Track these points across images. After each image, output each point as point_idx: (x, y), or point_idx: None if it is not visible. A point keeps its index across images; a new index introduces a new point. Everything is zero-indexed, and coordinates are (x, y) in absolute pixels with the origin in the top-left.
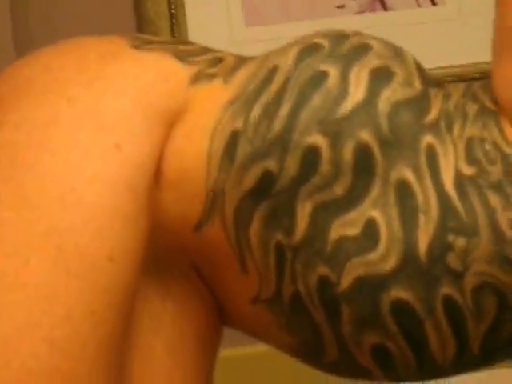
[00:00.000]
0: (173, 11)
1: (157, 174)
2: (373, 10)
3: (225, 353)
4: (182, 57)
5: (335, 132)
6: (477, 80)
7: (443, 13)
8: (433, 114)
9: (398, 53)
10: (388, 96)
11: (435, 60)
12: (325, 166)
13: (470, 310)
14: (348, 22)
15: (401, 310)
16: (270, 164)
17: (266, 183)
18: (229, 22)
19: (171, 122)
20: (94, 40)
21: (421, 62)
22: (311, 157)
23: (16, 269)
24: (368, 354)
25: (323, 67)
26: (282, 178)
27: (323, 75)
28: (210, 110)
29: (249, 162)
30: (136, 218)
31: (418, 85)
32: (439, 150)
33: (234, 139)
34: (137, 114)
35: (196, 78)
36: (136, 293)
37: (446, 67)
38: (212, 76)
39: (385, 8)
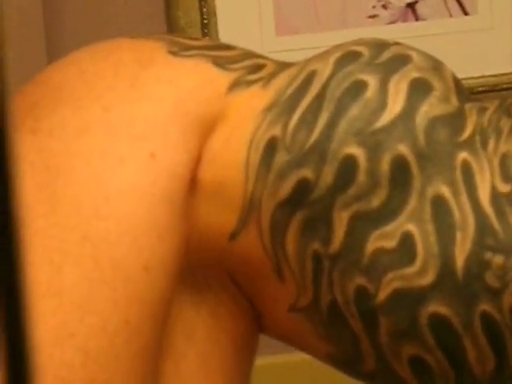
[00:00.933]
0: (205, 21)
1: (192, 183)
2: (405, 19)
3: (261, 361)
4: (220, 63)
5: (373, 143)
6: (509, 90)
7: (475, 22)
8: (468, 131)
9: (436, 66)
10: (426, 110)
11: (467, 70)
12: (362, 177)
13: (508, 327)
14: (380, 32)
15: (439, 324)
16: (307, 173)
17: (302, 192)
18: (260, 31)
19: (208, 129)
20: (130, 43)
21: (453, 72)
22: (348, 167)
23: (49, 277)
24: (406, 365)
25: (362, 76)
26: (318, 187)
27: (362, 85)
28: (247, 116)
29: (286, 170)
30: (172, 228)
31: (455, 101)
32: (475, 166)
33: (271, 147)
34: (173, 122)
35: (234, 85)
36: (171, 303)
37: (478, 77)
38: (251, 82)
39: (416, 18)
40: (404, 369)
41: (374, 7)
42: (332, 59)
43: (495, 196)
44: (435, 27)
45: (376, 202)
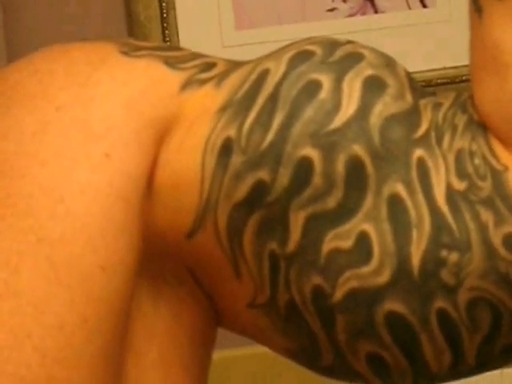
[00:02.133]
0: (164, 15)
1: (148, 184)
2: (364, 12)
3: (219, 354)
4: (171, 63)
5: (327, 145)
6: (469, 82)
7: (434, 15)
8: (423, 128)
9: (389, 63)
10: (380, 110)
11: (427, 62)
12: (317, 179)
13: (464, 324)
14: (339, 25)
15: (395, 322)
16: (263, 175)
17: (258, 193)
18: (219, 25)
19: (162, 130)
20: (82, 45)
21: (412, 64)
22: (304, 169)
23: (6, 278)
24: (363, 362)
25: (316, 76)
26: (274, 188)
27: (316, 85)
28: (201, 117)
29: (242, 172)
30: (129, 227)
31: (409, 98)
32: (430, 163)
33: (227, 148)
34: (127, 122)
35: (186, 84)
36: (130, 300)
37: (437, 69)
38: (203, 81)
39: (375, 10)
40: (361, 365)
41: (333, 1)
42: (284, 58)
43: (451, 193)
44: (394, 20)
45: (332, 202)
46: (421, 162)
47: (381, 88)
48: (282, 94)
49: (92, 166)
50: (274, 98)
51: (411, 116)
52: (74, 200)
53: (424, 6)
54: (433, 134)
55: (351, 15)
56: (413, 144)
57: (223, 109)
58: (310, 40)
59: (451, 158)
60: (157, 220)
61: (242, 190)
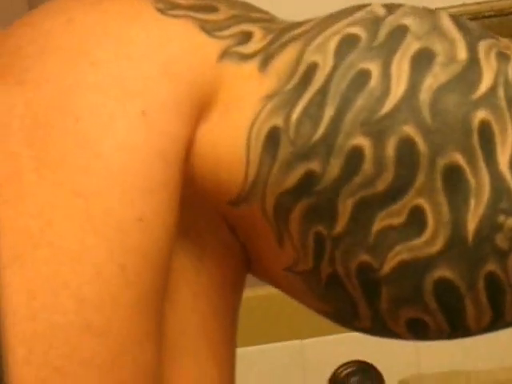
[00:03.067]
0: None
1: (187, 145)
2: None
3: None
4: (208, 30)
5: (378, 131)
6: (491, 18)
7: None
8: (486, 83)
9: (434, 23)
10: (430, 83)
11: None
12: (367, 165)
13: (510, 286)
14: None
15: (443, 288)
16: (314, 165)
17: (308, 182)
18: None
19: (200, 96)
20: None
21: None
22: (355, 157)
23: (41, 227)
24: (403, 326)
25: (364, 65)
26: (324, 178)
27: (365, 75)
28: (245, 99)
29: (292, 162)
30: (166, 183)
31: (462, 54)
32: (495, 127)
33: (274, 136)
34: (164, 83)
35: (224, 55)
36: (170, 252)
37: (459, 5)
38: (243, 57)
39: None
40: (401, 328)
41: None
42: (331, 49)
43: None
44: None
45: (381, 186)
46: (484, 126)
47: (429, 60)
48: (332, 88)
49: (129, 123)
50: (323, 92)
51: (468, 74)
52: (110, 155)
53: None
54: (501, 93)
55: None
56: (473, 106)
57: (269, 97)
58: (351, 18)
59: None
60: (196, 180)
61: (292, 178)
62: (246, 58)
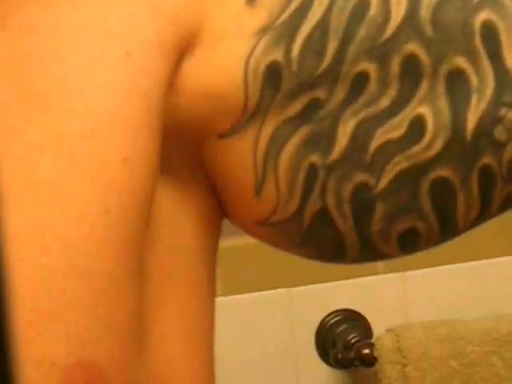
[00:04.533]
0: None
1: (173, 83)
2: None
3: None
4: None
5: (382, 54)
6: None
7: None
8: None
9: None
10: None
11: None
12: (373, 85)
13: (502, 177)
14: None
15: (439, 186)
16: (320, 93)
17: (312, 109)
18: None
19: (185, 32)
20: None
21: None
22: (360, 81)
23: (26, 169)
24: (394, 242)
25: None
26: (329, 103)
27: (364, 4)
28: (235, 35)
29: (296, 91)
30: (149, 122)
31: None
32: (500, 24)
33: (274, 71)
34: (147, 19)
35: None
36: (153, 191)
37: None
38: None
39: None
40: (391, 245)
41: None
42: None
43: None
44: None
45: (385, 102)
46: (486, 25)
47: None
48: (332, 22)
49: (112, 64)
50: (323, 26)
51: None
52: (94, 96)
53: None
54: None
55: None
56: (473, 10)
57: (263, 31)
58: None
59: None
60: (182, 118)
61: (296, 106)
62: None
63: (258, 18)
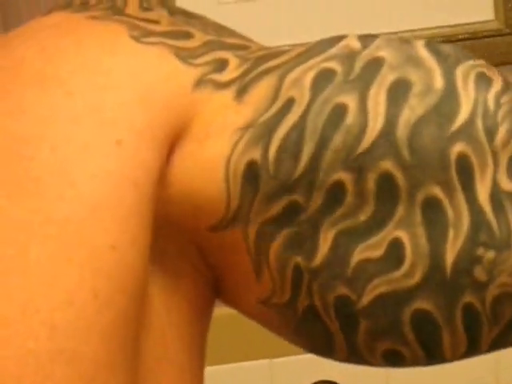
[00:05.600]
0: None
1: (163, 173)
2: None
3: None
4: (183, 57)
5: (358, 167)
6: (465, 41)
7: None
8: (463, 114)
9: (409, 54)
10: (407, 117)
11: (424, 21)
12: (349, 198)
13: (487, 318)
14: None
15: (420, 319)
16: (297, 197)
17: (291, 212)
18: None
19: (175, 123)
20: (90, 24)
21: (408, 22)
22: (336, 191)
23: (14, 255)
24: (379, 357)
25: (341, 99)
26: (308, 208)
27: (342, 110)
28: (222, 129)
29: (274, 195)
30: (139, 210)
31: (439, 84)
32: (473, 159)
33: (252, 172)
34: (139, 110)
35: (199, 83)
36: (145, 280)
37: (434, 28)
38: (218, 85)
39: None
40: (376, 359)
41: None
42: (307, 84)
43: (496, 192)
44: None
45: (362, 217)
46: (461, 159)
47: (405, 91)
48: (309, 124)
49: (103, 152)
50: (300, 128)
51: (444, 105)
52: (84, 183)
53: None
54: (479, 124)
55: None
56: (450, 139)
57: (246, 128)
58: (327, 54)
59: (505, 157)
60: (172, 207)
61: (275, 209)
62: (221, 86)
63: (243, 114)
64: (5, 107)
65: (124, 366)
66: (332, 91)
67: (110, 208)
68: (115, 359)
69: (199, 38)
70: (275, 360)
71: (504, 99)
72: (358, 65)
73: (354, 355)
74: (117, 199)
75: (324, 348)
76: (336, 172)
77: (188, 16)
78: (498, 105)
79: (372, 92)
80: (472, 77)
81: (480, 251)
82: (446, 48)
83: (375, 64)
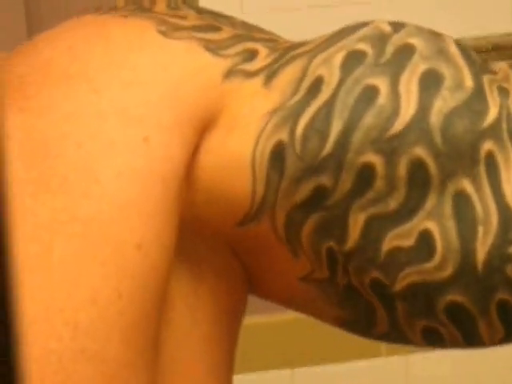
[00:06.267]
0: None
1: (189, 169)
2: None
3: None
4: (212, 49)
5: (389, 150)
6: (489, 53)
7: None
8: (492, 115)
9: (441, 47)
10: (440, 107)
11: (447, 32)
12: (379, 182)
13: None
14: None
15: (455, 310)
16: (324, 180)
17: (319, 197)
18: None
19: (204, 118)
20: (119, 22)
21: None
22: (366, 174)
23: (38, 253)
24: (419, 334)
25: (372, 80)
26: (335, 192)
27: (373, 91)
28: (249, 116)
29: (301, 177)
30: (166, 208)
31: (469, 82)
32: (500, 158)
33: (279, 151)
34: (166, 108)
35: (229, 74)
36: (167, 278)
37: (458, 41)
38: (248, 74)
39: None
40: (416, 336)
41: None
42: (337, 63)
43: None
44: None
45: (393, 204)
46: (489, 157)
47: (437, 83)
48: (338, 102)
49: (129, 150)
50: (329, 106)
51: (475, 103)
52: (110, 181)
53: None
54: (504, 126)
55: None
56: (480, 135)
57: (274, 111)
58: (357, 34)
59: None
60: (198, 203)
61: (302, 193)
62: (250, 75)
63: (272, 98)
64: (33, 107)
65: (145, 365)
66: (363, 72)
67: (136, 206)
68: (136, 359)
69: (228, 30)
70: (297, 369)
71: None
72: (390, 49)
73: (395, 329)
74: (144, 197)
75: (366, 320)
76: (366, 153)
77: (215, 14)
78: None
79: (403, 78)
80: (495, 86)
81: (511, 250)
82: (473, 53)
83: (407, 50)
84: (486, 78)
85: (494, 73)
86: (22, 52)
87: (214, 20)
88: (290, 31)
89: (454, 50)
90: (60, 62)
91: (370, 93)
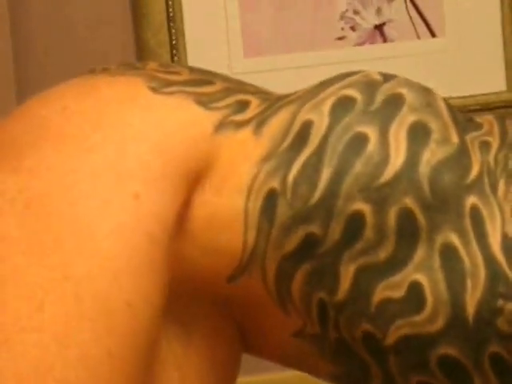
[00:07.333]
0: (173, 41)
1: (179, 225)
2: (372, 41)
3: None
4: (203, 102)
5: (378, 198)
6: (477, 112)
7: (443, 44)
8: (474, 171)
9: (429, 100)
10: (428, 158)
11: (436, 91)
12: (369, 232)
13: None
14: (347, 54)
15: (448, 363)
16: (314, 228)
17: (309, 246)
18: (228, 52)
19: (195, 171)
20: (110, 81)
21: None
22: (356, 223)
23: (30, 312)
24: None
25: (361, 128)
26: (325, 242)
27: (363, 139)
28: (241, 164)
29: (291, 225)
30: (156, 266)
31: (454, 138)
32: (484, 212)
33: (271, 199)
34: (157, 163)
35: (220, 126)
36: (158, 336)
37: (445, 99)
38: (239, 124)
39: (384, 39)
40: None
41: (342, 29)
42: (326, 109)
43: (506, 243)
44: (403, 49)
45: (383, 254)
46: (474, 211)
47: (425, 135)
48: (328, 149)
49: (120, 207)
50: (320, 153)
51: (460, 159)
52: (103, 239)
53: (433, 35)
54: (486, 180)
55: (360, 44)
56: (465, 190)
57: (265, 159)
58: (347, 81)
59: (508, 208)
60: (190, 262)
61: (292, 242)
62: (241, 125)
63: (262, 145)
64: (27, 167)
65: None
66: (352, 119)
67: (126, 264)
68: None
69: (220, 84)
70: None
71: (499, 157)
72: (379, 97)
73: (390, 383)
74: (133, 255)
75: (361, 376)
76: (355, 201)
77: (208, 71)
78: (496, 162)
79: (393, 128)
80: (476, 143)
81: (500, 303)
82: (458, 113)
83: (396, 100)
84: (468, 137)
85: (480, 126)
86: (16, 114)
87: (207, 75)
88: (280, 90)
89: (441, 105)
90: (54, 121)
91: (360, 140)
